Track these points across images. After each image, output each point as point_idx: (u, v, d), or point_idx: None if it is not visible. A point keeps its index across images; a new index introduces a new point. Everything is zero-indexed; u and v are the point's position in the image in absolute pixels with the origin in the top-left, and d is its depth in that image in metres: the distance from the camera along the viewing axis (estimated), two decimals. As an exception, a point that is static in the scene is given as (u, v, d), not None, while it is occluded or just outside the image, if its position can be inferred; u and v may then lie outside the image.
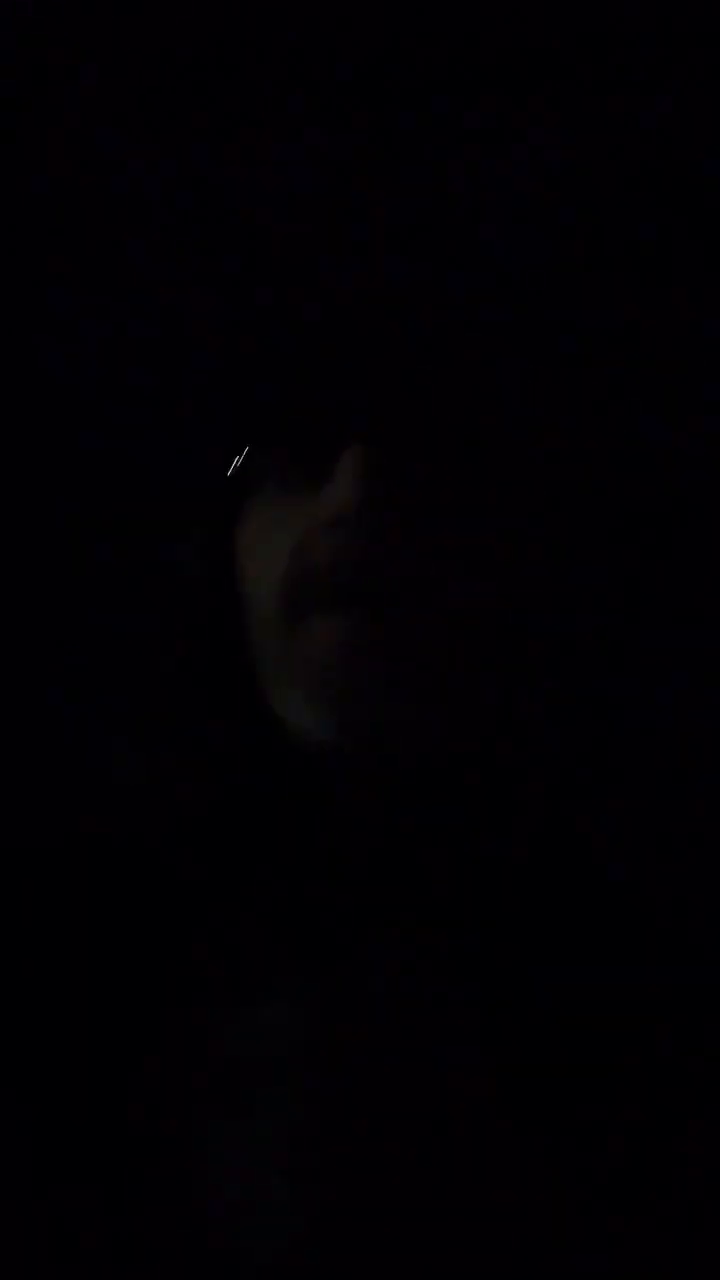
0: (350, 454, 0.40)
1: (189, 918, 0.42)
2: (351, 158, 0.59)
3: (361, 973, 0.40)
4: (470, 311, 0.47)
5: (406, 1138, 0.38)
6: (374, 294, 0.47)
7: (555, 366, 0.48)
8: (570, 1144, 0.38)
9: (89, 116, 0.60)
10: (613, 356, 0.55)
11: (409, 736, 0.41)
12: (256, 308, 0.52)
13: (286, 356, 0.46)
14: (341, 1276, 0.37)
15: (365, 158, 0.59)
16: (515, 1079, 0.39)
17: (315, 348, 0.45)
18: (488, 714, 0.43)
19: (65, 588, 0.60)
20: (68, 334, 0.63)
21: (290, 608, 0.41)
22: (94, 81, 0.60)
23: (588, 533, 0.47)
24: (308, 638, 0.41)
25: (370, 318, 0.45)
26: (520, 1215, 0.37)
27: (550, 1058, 0.39)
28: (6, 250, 0.65)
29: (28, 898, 0.43)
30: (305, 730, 0.42)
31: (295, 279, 0.51)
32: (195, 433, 0.51)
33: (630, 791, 0.46)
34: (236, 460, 0.45)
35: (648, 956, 0.43)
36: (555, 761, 0.44)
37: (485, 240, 0.54)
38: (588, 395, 0.50)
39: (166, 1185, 0.38)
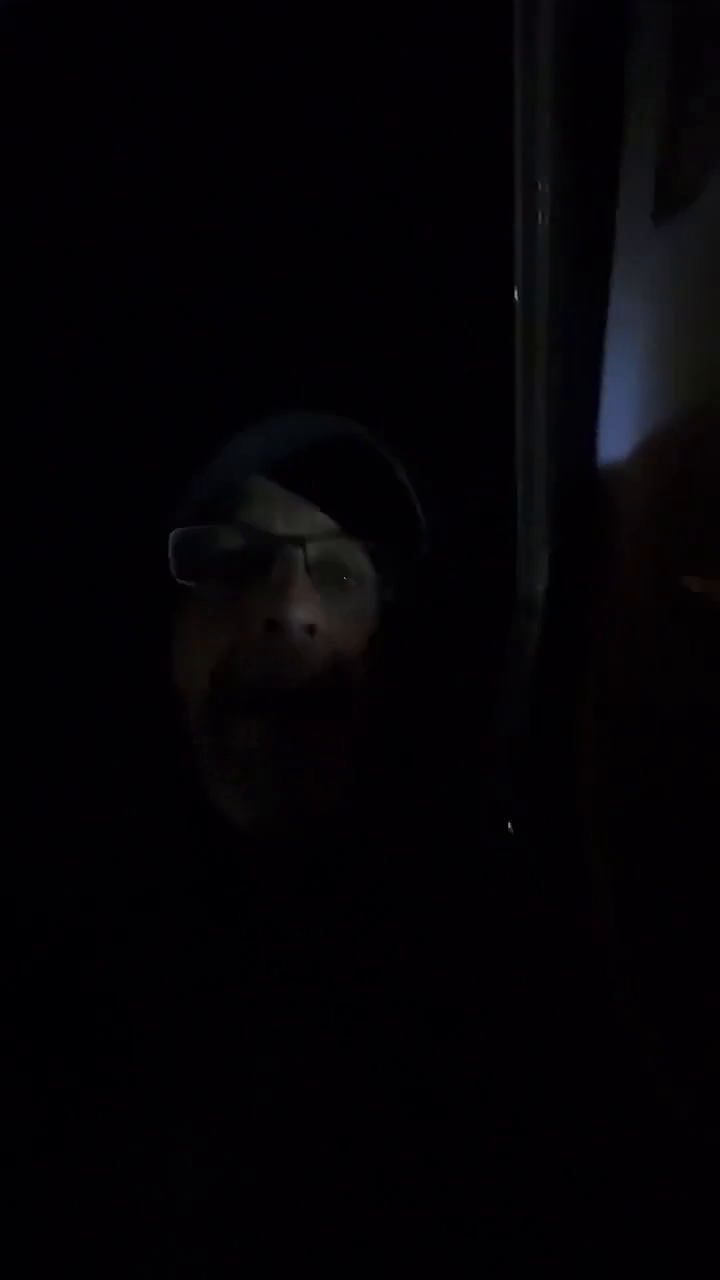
0: (281, 566, 0.49)
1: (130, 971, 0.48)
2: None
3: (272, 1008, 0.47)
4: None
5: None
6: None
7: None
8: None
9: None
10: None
11: (313, 818, 0.49)
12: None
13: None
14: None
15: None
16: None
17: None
18: (370, 799, 0.50)
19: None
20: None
21: (218, 709, 0.49)
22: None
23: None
24: (233, 735, 0.49)
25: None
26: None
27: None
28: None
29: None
30: (229, 810, 0.49)
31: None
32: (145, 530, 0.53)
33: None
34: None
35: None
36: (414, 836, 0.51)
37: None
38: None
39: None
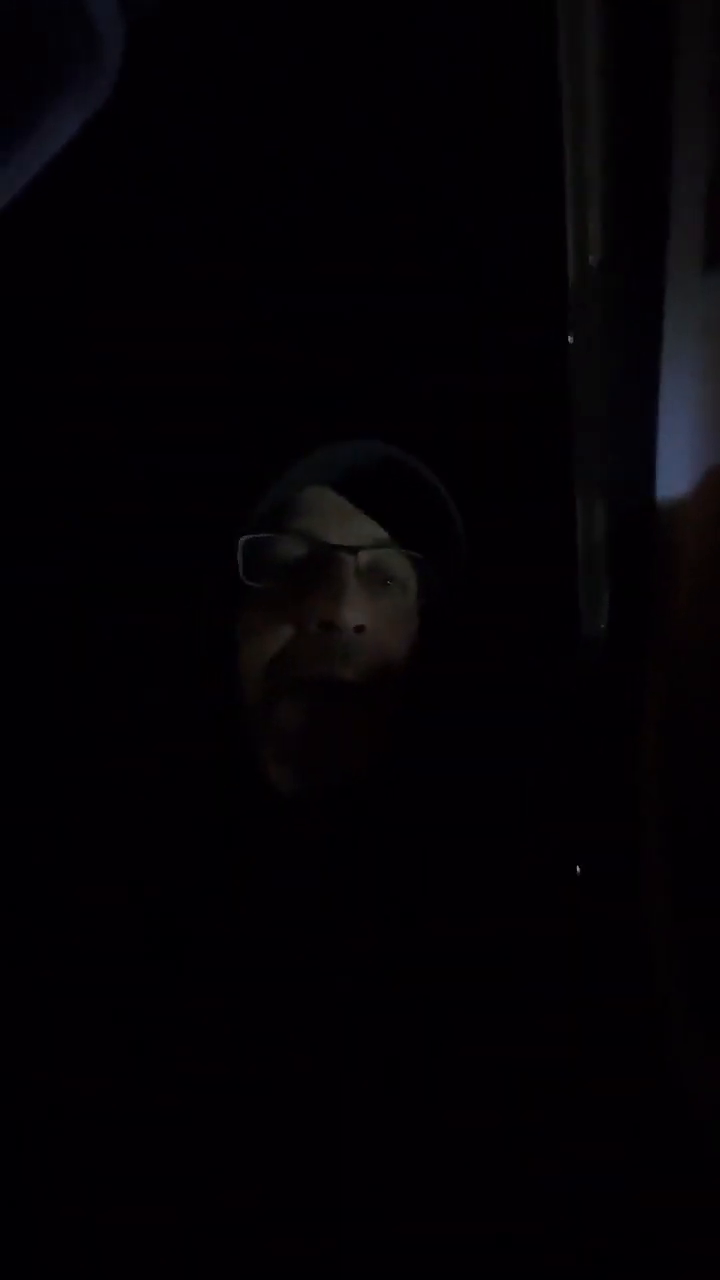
0: (336, 572, 0.55)
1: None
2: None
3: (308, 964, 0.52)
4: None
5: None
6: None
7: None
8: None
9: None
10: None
11: (343, 787, 0.55)
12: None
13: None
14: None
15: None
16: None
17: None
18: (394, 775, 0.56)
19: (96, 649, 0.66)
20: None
21: (270, 692, 0.55)
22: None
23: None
24: (280, 715, 0.55)
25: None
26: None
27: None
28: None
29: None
30: (274, 777, 0.55)
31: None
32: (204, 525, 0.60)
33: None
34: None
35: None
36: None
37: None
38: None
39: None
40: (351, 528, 0.57)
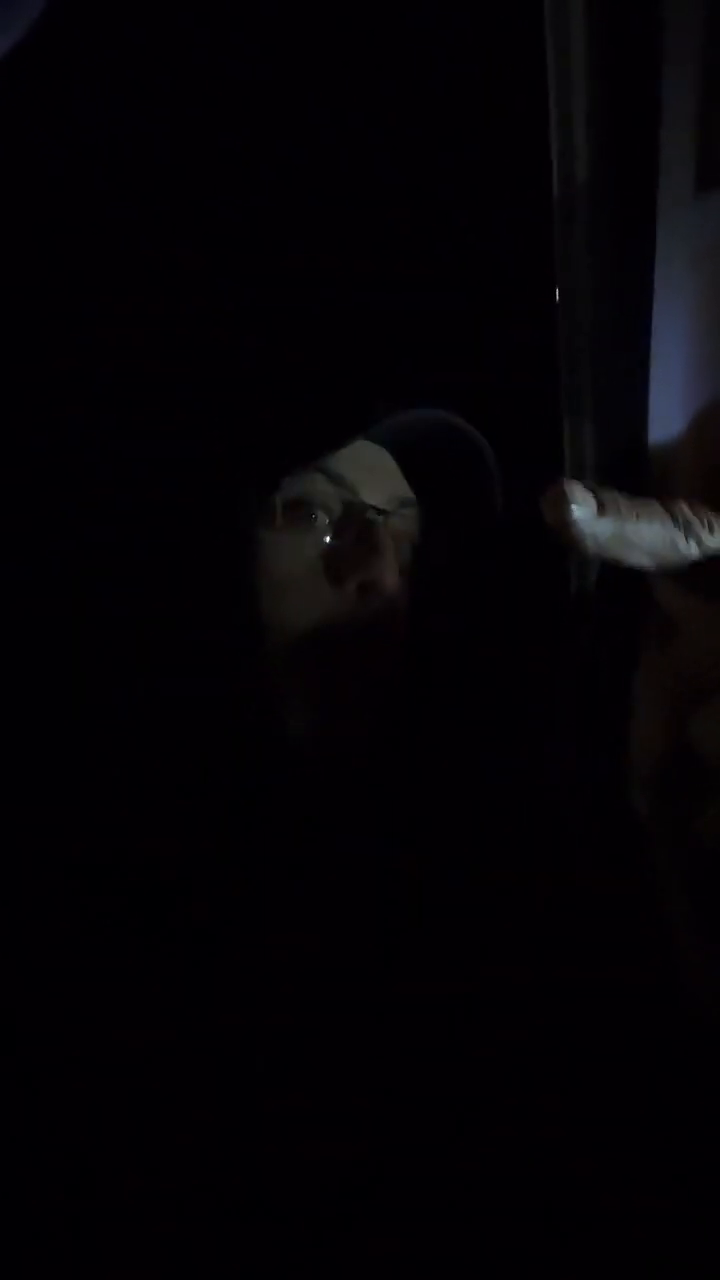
0: (374, 533, 0.56)
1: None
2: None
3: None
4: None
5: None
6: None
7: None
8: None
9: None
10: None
11: (356, 737, 0.57)
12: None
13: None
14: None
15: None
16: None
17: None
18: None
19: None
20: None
21: (297, 650, 0.57)
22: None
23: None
24: (305, 671, 0.57)
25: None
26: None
27: None
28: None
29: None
30: (293, 725, 0.57)
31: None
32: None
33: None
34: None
35: None
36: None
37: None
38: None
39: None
40: (390, 486, 0.59)
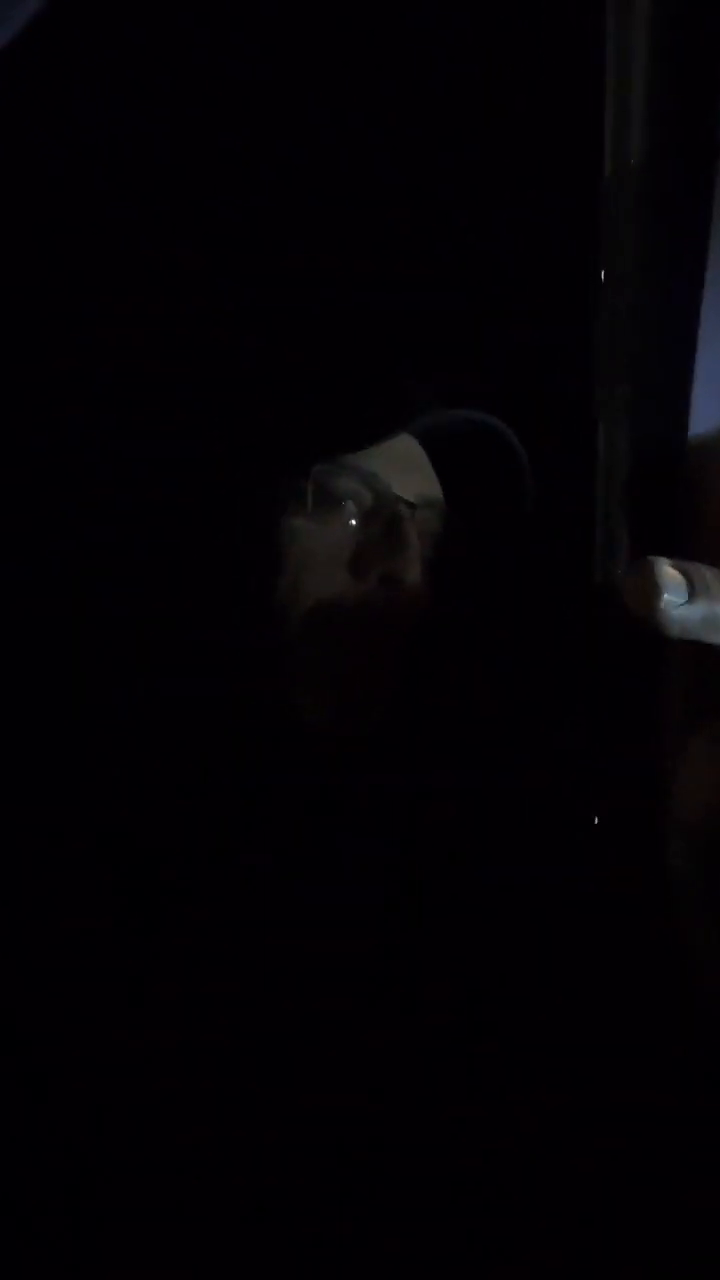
0: (399, 526, 0.56)
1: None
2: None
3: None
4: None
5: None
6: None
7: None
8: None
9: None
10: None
11: (366, 719, 0.57)
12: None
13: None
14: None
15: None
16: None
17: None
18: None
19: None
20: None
21: (309, 636, 0.56)
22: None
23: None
24: (315, 658, 0.56)
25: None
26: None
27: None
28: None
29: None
30: (305, 707, 0.56)
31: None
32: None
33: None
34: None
35: None
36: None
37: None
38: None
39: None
40: (420, 482, 0.59)
